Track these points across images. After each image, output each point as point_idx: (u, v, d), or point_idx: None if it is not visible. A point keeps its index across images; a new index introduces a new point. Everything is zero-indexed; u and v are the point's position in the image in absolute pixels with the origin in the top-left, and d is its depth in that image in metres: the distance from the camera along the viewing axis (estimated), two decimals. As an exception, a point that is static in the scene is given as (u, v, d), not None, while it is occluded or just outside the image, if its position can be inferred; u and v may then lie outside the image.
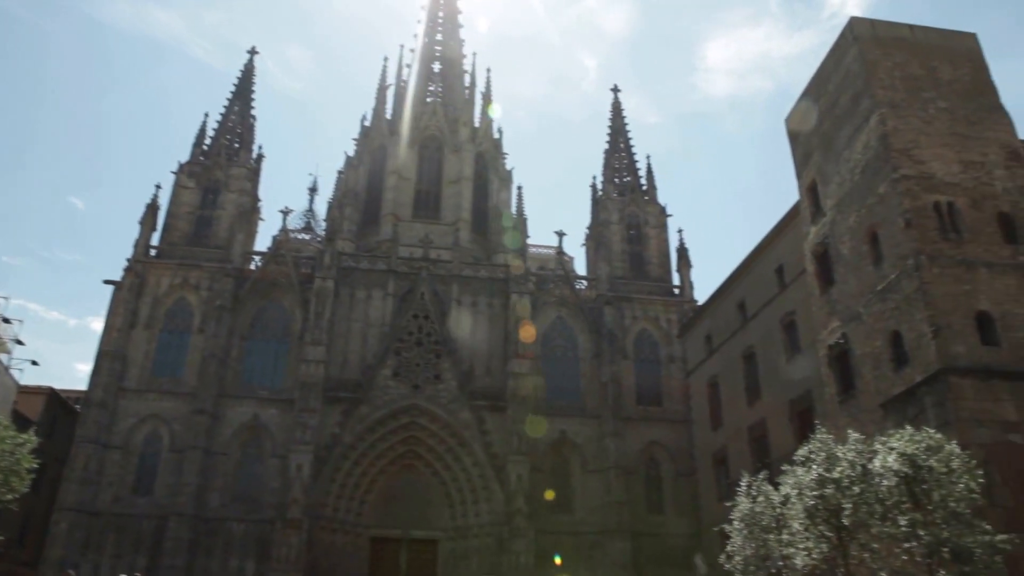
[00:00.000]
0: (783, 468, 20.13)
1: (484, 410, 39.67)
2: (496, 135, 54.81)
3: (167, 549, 34.22)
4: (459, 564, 35.54)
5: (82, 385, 40.27)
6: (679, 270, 47.79)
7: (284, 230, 45.53)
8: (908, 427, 18.37)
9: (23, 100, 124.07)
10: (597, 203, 50.98)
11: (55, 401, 40.72)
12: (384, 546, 37.71)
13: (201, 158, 47.02)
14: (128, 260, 41.53)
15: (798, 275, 30.38)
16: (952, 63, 26.65)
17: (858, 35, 26.79)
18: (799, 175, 30.78)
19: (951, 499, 16.53)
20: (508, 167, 53.59)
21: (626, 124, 55.36)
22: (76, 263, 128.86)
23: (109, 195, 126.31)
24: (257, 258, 44.21)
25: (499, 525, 36.72)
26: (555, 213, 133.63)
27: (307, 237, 57.62)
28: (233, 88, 51.26)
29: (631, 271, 47.39)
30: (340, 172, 52.68)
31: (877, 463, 17.48)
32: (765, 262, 33.74)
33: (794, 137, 31.53)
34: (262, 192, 49.77)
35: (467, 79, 58.36)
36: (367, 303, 42.29)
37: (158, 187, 44.43)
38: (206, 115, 49.79)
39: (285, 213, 45.63)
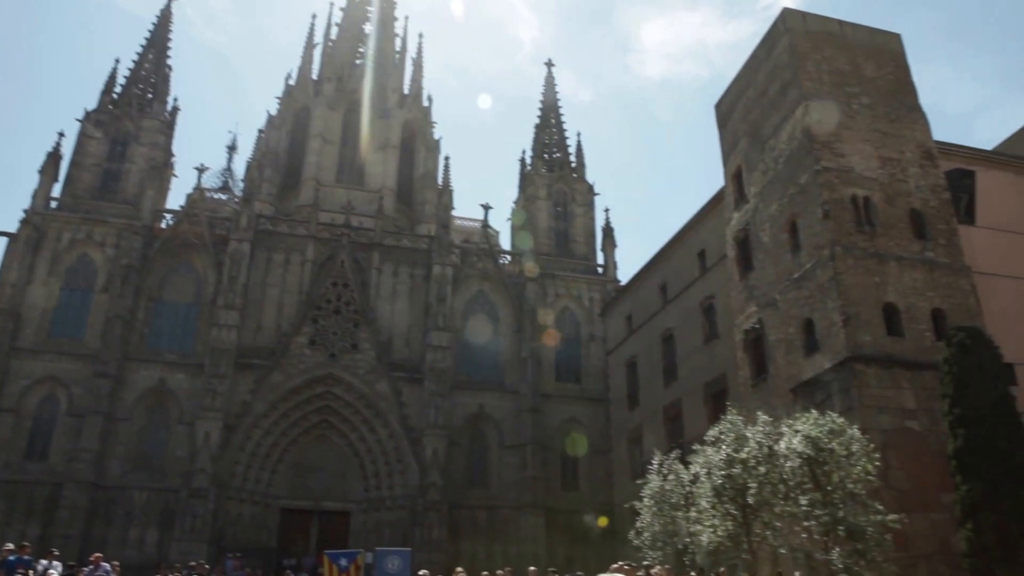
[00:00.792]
0: (694, 448, 20.58)
1: (402, 382, 39.18)
2: (426, 103, 53.73)
3: (61, 518, 32.47)
4: (371, 536, 35.13)
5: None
6: (604, 249, 48.19)
7: (199, 188, 43.45)
8: (814, 411, 19.03)
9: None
10: (525, 178, 50.77)
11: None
12: (295, 517, 36.97)
13: (110, 107, 44.21)
14: (25, 211, 38.81)
15: (719, 260, 30.99)
16: (877, 61, 27.44)
17: (789, 26, 27.24)
18: (725, 161, 31.29)
19: (849, 481, 17.24)
20: (436, 136, 52.70)
21: (558, 100, 55.22)
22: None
23: (5, 140, 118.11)
24: (169, 216, 42.05)
25: (413, 498, 36.51)
26: (482, 186, 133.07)
27: (224, 197, 55.24)
28: (148, 35, 48.34)
29: (556, 248, 47.50)
30: (261, 131, 50.71)
31: (783, 445, 18.04)
32: (688, 246, 34.31)
33: (723, 124, 31.98)
34: (176, 147, 47.33)
35: (398, 43, 56.89)
36: (285, 268, 40.95)
37: (61, 135, 41.65)
38: (117, 61, 46.85)
39: (201, 171, 43.55)
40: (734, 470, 18.46)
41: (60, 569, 19.13)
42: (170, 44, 48.79)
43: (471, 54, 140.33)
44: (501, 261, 45.61)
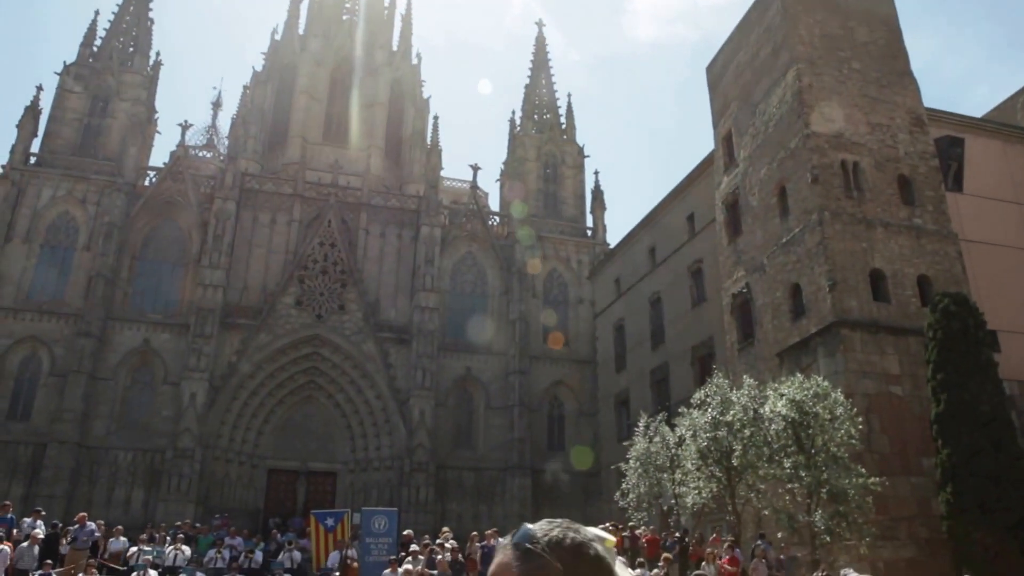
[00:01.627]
0: (680, 411, 20.73)
1: (389, 343, 39.11)
2: (414, 61, 52.76)
3: (45, 478, 32.37)
4: (358, 497, 35.39)
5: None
6: (593, 212, 47.91)
7: (183, 145, 42.63)
8: (799, 375, 19.20)
9: None
10: (514, 139, 50.18)
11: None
12: (282, 478, 37.11)
13: (90, 60, 43.00)
14: (2, 167, 37.98)
15: (708, 224, 30.93)
16: (869, 25, 27.12)
17: (783, -13, 26.78)
18: (716, 125, 31.04)
19: (832, 444, 17.51)
20: (425, 95, 51.87)
21: (549, 60, 54.40)
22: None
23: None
24: (152, 174, 41.24)
25: (400, 459, 36.72)
26: (471, 147, 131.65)
27: (208, 155, 54.13)
28: (129, -15, 46.92)
29: (545, 210, 47.17)
30: (246, 87, 49.56)
31: (768, 408, 18.25)
32: (677, 209, 34.20)
33: (714, 87, 31.65)
34: (159, 103, 46.44)
35: (386, -1, 55.59)
36: (271, 228, 40.47)
37: (39, 88, 40.52)
38: (96, 12, 45.42)
39: (184, 127, 42.72)
40: (719, 433, 18.68)
41: (43, 528, 19.10)
42: (152, -4, 47.41)
43: (461, 12, 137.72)
44: (490, 223, 45.30)
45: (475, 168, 45.60)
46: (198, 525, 25.68)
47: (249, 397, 36.87)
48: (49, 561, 17.19)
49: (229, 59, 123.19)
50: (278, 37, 50.96)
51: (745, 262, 27.18)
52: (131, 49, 44.97)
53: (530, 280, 43.19)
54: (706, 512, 21.69)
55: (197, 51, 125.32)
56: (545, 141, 49.45)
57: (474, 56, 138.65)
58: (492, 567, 1.53)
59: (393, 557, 18.40)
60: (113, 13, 45.90)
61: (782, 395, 18.05)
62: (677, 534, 20.95)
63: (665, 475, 21.32)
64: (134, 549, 20.11)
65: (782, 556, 18.11)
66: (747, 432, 18.25)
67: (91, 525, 20.06)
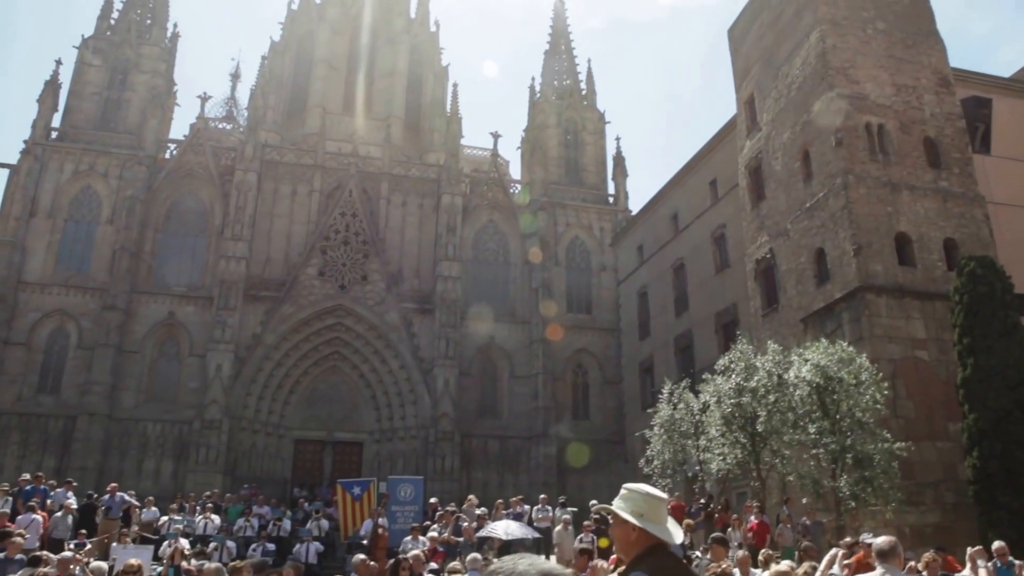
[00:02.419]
0: (704, 377, 20.67)
1: (412, 313, 39.29)
2: (433, 28, 52.14)
3: (76, 450, 33.12)
4: (384, 466, 35.86)
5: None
6: (615, 178, 47.47)
7: (202, 117, 42.74)
8: (824, 340, 19.01)
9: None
10: (534, 106, 49.64)
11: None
12: (308, 448, 37.65)
13: (108, 33, 43.06)
14: (25, 142, 38.30)
15: (731, 189, 30.53)
16: (893, -17, 26.29)
17: (808, -56, 25.99)
18: (738, 88, 30.46)
19: (857, 409, 17.38)
20: (444, 63, 51.35)
21: (568, 25, 53.56)
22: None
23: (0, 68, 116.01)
24: (172, 146, 41.47)
25: (425, 428, 37.08)
26: (491, 114, 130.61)
27: (228, 127, 54.41)
28: (144, -43, 46.68)
29: (566, 177, 46.78)
30: (264, 58, 49.34)
31: (792, 374, 18.13)
32: (699, 174, 33.77)
33: (736, 50, 30.99)
34: (178, 76, 46.42)
35: (402, -35, 54.78)
36: (292, 199, 40.58)
37: (59, 62, 40.61)
38: (113, -16, 45.42)
39: (204, 99, 42.74)
40: (744, 399, 18.62)
41: (75, 499, 19.57)
42: (167, -34, 47.18)
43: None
44: (511, 191, 45.07)
45: (495, 136, 45.28)
46: (228, 495, 26.20)
47: (274, 368, 37.32)
48: (84, 531, 17.63)
49: (247, 29, 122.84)
50: (295, 6, 50.58)
51: (768, 227, 26.84)
52: (148, 21, 44.90)
53: (552, 248, 43.03)
54: (731, 478, 21.74)
55: (215, 22, 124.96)
56: (565, 108, 48.89)
57: (493, 23, 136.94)
58: None
59: (415, 524, 18.64)
60: (129, -15, 45.74)
61: (807, 360, 17.90)
62: (702, 500, 21.03)
63: (689, 441, 21.36)
64: (165, 519, 20.55)
65: (807, 521, 18.12)
66: (771, 398, 18.17)
67: (122, 495, 20.52)
